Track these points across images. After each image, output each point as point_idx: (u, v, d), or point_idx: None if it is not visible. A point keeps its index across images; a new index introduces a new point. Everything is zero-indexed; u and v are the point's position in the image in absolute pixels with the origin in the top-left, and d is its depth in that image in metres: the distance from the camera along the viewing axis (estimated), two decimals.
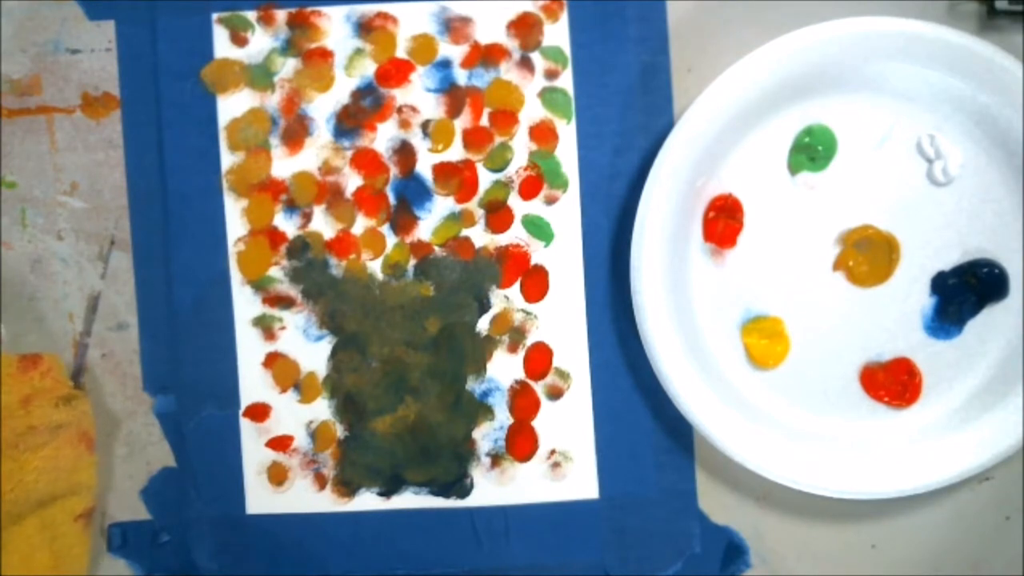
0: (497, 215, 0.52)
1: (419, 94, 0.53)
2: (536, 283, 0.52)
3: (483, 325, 0.52)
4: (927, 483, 0.50)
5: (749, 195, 0.51)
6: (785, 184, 0.51)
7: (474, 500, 0.52)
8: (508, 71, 0.53)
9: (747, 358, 0.51)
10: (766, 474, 0.50)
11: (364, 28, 0.53)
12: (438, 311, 0.52)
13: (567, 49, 0.52)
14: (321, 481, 0.53)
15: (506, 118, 0.52)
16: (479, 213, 0.52)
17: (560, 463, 0.52)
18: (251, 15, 0.53)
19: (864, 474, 0.50)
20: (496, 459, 0.52)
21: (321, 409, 0.53)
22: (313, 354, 0.53)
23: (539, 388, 0.52)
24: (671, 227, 0.50)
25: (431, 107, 0.53)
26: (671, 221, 0.49)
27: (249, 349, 0.52)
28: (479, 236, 0.53)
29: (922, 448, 0.51)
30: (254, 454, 0.53)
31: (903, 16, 0.48)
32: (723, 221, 0.51)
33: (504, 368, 0.52)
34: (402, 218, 0.52)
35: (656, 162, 0.49)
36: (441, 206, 0.53)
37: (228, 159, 0.53)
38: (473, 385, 0.52)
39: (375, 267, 0.53)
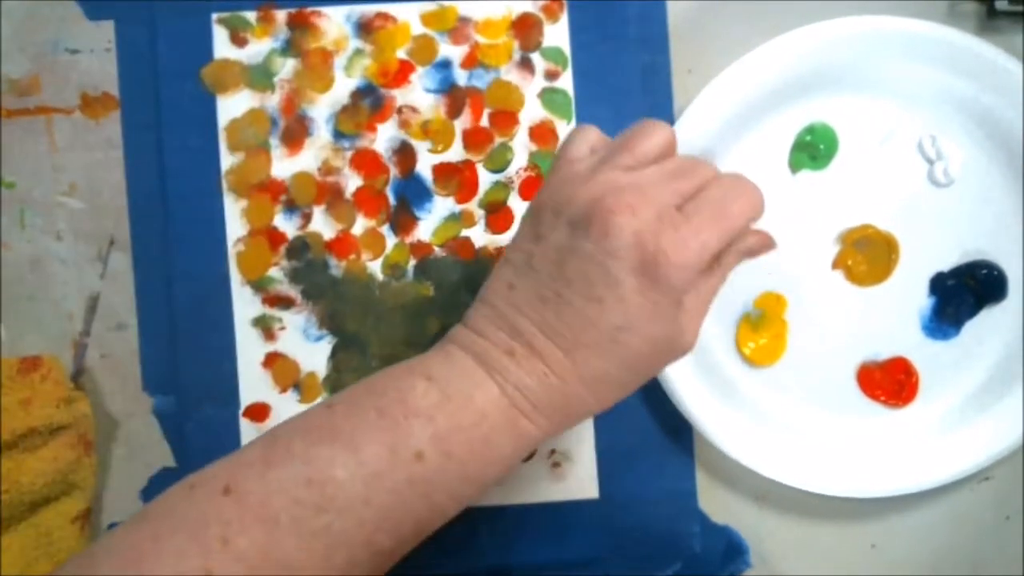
0: (497, 215, 0.52)
1: (419, 94, 0.53)
2: None
3: None
4: (925, 482, 0.50)
5: None
6: (786, 182, 0.51)
7: (474, 500, 0.52)
8: (508, 71, 0.53)
9: (745, 355, 0.52)
10: (765, 474, 0.50)
11: (364, 28, 0.53)
12: (438, 312, 0.52)
13: (567, 49, 0.52)
14: None
15: (506, 118, 0.52)
16: (479, 213, 0.52)
17: (560, 463, 0.52)
18: (251, 15, 0.53)
19: (863, 473, 0.50)
20: None
21: None
22: (313, 354, 0.52)
23: None
24: None
25: (431, 107, 0.53)
26: None
27: (249, 349, 0.52)
28: (479, 236, 0.53)
29: (920, 448, 0.51)
30: None
31: (903, 16, 0.48)
32: None
33: None
34: (402, 218, 0.52)
35: None
36: (441, 206, 0.53)
37: (228, 159, 0.53)
38: None
39: (375, 267, 0.53)
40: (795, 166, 0.51)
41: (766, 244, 0.42)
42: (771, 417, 0.51)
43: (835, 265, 0.51)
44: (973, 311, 0.51)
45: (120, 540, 0.36)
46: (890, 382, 0.51)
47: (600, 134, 0.41)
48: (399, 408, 0.37)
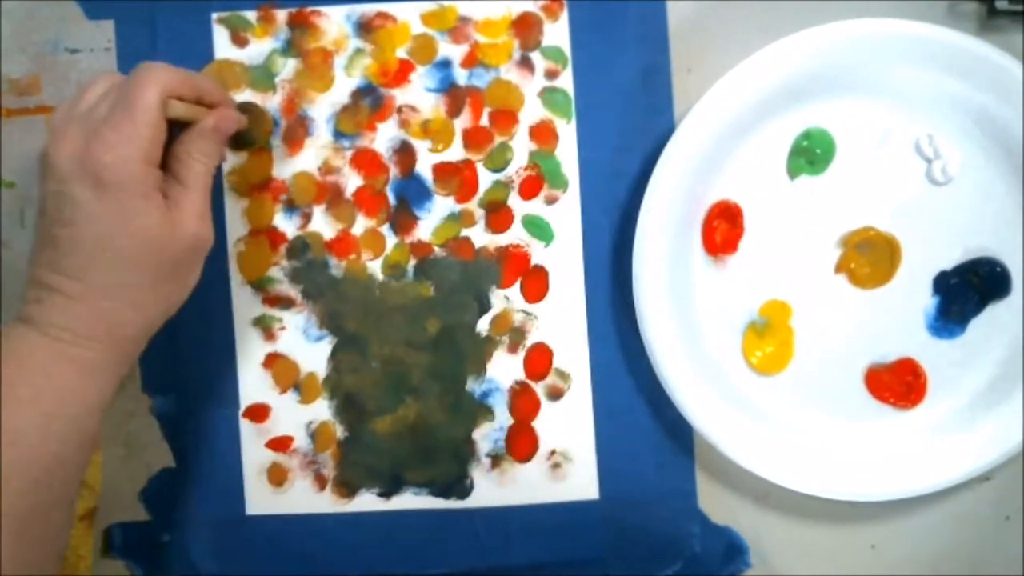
0: (497, 215, 0.52)
1: (419, 93, 0.53)
2: (536, 283, 0.52)
3: (483, 325, 0.52)
4: (931, 484, 0.50)
5: (749, 200, 0.51)
6: (785, 188, 0.51)
7: (474, 501, 0.52)
8: (508, 71, 0.52)
9: (750, 362, 0.51)
10: (766, 476, 0.50)
11: (364, 28, 0.52)
12: (438, 311, 0.52)
13: (567, 49, 0.52)
14: (321, 482, 0.53)
15: (506, 118, 0.52)
16: (479, 213, 0.52)
17: (560, 463, 0.52)
18: (251, 15, 0.53)
19: (867, 476, 0.50)
20: (496, 460, 0.52)
21: (321, 410, 0.53)
22: (313, 354, 0.53)
23: (539, 389, 0.52)
24: (672, 235, 0.50)
25: (431, 107, 0.52)
26: (672, 229, 0.50)
27: (249, 349, 0.52)
28: (479, 236, 0.52)
29: (926, 449, 0.51)
30: (254, 455, 0.53)
31: (903, 17, 0.48)
32: (722, 232, 0.51)
33: (504, 368, 0.52)
34: (402, 218, 0.52)
35: (655, 170, 0.49)
36: (441, 206, 0.52)
37: (229, 159, 0.52)
38: (473, 386, 0.52)
39: (375, 267, 0.53)
40: (793, 172, 0.51)
41: (225, 119, 0.46)
42: (775, 421, 0.51)
43: (838, 269, 0.51)
44: (978, 308, 0.51)
45: None
46: (898, 384, 0.51)
47: (66, 104, 0.45)
48: None
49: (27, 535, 0.39)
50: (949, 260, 0.51)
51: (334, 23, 0.53)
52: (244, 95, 0.52)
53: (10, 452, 0.39)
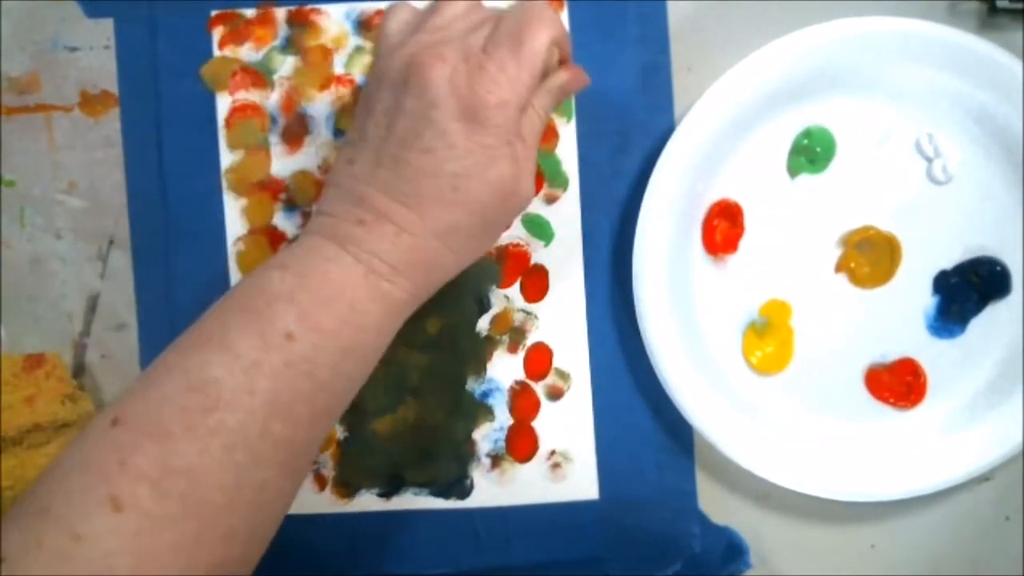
0: None
1: None
2: (536, 283, 0.52)
3: (483, 325, 0.52)
4: (931, 484, 0.50)
5: (749, 199, 0.51)
6: (785, 187, 0.51)
7: (474, 501, 0.52)
8: None
9: (750, 362, 0.51)
10: (766, 476, 0.50)
11: (364, 26, 0.52)
12: (438, 311, 0.52)
13: None
14: (321, 481, 0.53)
15: None
16: None
17: (560, 463, 0.52)
18: (250, 12, 0.52)
19: (867, 476, 0.50)
20: (496, 460, 0.52)
21: None
22: None
23: (539, 388, 0.52)
24: (672, 234, 0.50)
25: None
26: (672, 228, 0.49)
27: None
28: None
29: (926, 449, 0.51)
30: None
31: (903, 15, 0.48)
32: (722, 231, 0.51)
33: (504, 368, 0.52)
34: None
35: (655, 170, 0.49)
36: None
37: (228, 158, 0.52)
38: (473, 385, 0.52)
39: None
40: (793, 171, 0.51)
41: (578, 78, 0.44)
42: (775, 421, 0.51)
43: (838, 268, 0.51)
44: (978, 308, 0.51)
45: (29, 494, 0.36)
46: (898, 384, 0.51)
47: (413, 9, 0.43)
48: (260, 299, 0.38)
49: (293, 465, 0.38)
50: (949, 259, 0.51)
51: (333, 21, 0.52)
52: (242, 92, 0.52)
53: (305, 383, 0.37)
